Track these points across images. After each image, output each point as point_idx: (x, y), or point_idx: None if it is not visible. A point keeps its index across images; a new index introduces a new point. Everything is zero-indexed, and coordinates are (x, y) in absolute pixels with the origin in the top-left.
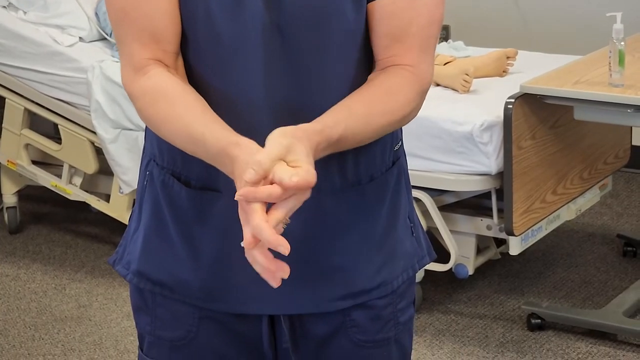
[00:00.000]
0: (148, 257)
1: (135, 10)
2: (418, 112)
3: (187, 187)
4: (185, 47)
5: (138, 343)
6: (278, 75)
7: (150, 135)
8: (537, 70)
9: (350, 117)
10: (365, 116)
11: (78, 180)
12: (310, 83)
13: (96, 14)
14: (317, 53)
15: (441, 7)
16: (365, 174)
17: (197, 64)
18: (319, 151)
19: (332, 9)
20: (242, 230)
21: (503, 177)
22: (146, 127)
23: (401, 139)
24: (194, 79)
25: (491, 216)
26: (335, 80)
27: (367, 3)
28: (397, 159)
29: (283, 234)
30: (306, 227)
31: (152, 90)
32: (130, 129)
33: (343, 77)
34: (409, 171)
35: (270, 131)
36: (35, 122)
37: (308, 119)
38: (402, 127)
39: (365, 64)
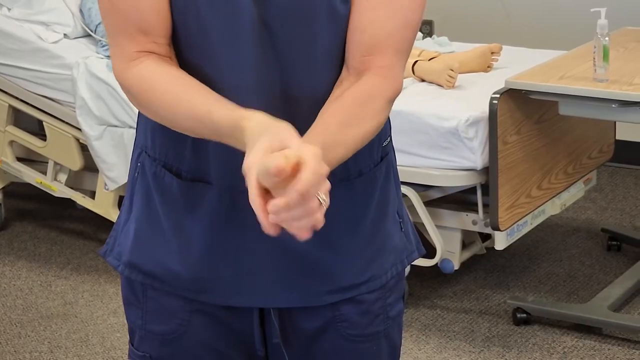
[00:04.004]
0: (139, 249)
1: (123, 2)
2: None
3: (179, 178)
4: (176, 38)
5: (129, 338)
6: (267, 68)
7: (142, 127)
8: (521, 65)
9: (333, 147)
10: (343, 143)
11: (63, 177)
12: (299, 74)
13: (81, 10)
14: (305, 46)
15: (418, 12)
16: (353, 169)
17: (188, 54)
18: None
19: (320, 3)
20: (231, 223)
21: (488, 172)
22: (138, 119)
23: (389, 135)
24: (185, 69)
25: (476, 211)
26: (323, 70)
27: None
28: (386, 155)
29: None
30: None
31: (149, 76)
32: (116, 126)
33: (330, 67)
34: None
35: None
36: (19, 119)
37: (296, 108)
38: (391, 123)
39: None
